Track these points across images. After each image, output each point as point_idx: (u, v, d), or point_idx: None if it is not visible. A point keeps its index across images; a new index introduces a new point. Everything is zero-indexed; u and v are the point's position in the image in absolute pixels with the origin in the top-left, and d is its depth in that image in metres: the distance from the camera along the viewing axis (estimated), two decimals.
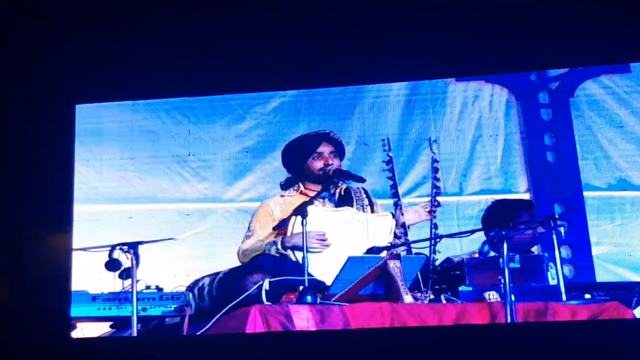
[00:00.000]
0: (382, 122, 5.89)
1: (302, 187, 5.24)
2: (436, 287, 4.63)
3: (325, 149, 5.26)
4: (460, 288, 4.53)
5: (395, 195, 5.08)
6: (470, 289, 4.52)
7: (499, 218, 4.92)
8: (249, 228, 5.19)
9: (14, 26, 5.60)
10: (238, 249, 5.16)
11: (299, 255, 4.77)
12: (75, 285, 5.11)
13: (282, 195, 5.27)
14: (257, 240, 5.07)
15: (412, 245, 4.99)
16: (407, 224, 5.02)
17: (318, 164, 5.22)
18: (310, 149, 5.27)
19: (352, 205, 5.15)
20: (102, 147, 5.96)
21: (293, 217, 4.90)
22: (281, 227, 4.99)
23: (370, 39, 5.64)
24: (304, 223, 4.63)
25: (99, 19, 5.58)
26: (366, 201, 5.23)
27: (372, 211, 5.19)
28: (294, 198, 5.17)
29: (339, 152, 5.31)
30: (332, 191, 5.18)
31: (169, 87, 5.90)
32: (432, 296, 4.58)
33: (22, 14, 5.56)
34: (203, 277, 4.86)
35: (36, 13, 5.56)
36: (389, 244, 4.94)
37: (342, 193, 5.23)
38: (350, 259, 4.61)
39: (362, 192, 5.27)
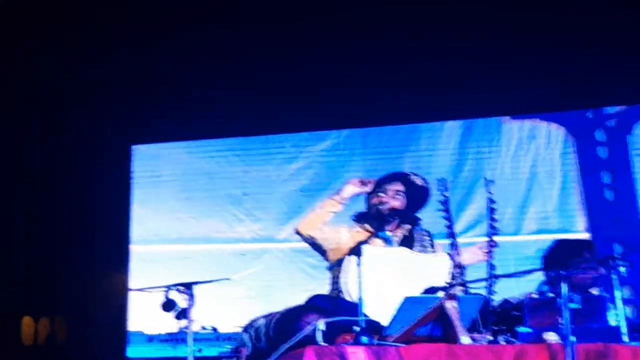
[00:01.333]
0: (435, 161, 5.86)
1: (367, 225, 5.18)
2: (494, 328, 4.54)
3: (392, 187, 5.12)
4: (518, 329, 4.44)
5: (451, 235, 5.00)
6: (529, 329, 4.43)
7: (560, 258, 4.82)
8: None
9: (70, 71, 5.71)
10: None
11: (354, 295, 4.73)
12: (131, 325, 5.14)
13: (350, 227, 5.23)
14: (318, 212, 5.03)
15: (469, 285, 4.92)
16: (463, 264, 4.95)
17: (375, 200, 5.15)
18: (381, 185, 5.17)
19: (412, 248, 5.08)
20: (157, 188, 6.03)
21: (347, 257, 4.86)
22: (335, 267, 4.97)
23: (422, 78, 5.64)
24: (359, 263, 4.59)
25: (154, 63, 5.67)
26: (429, 244, 5.14)
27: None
28: (360, 233, 5.12)
29: (412, 194, 5.13)
30: (391, 230, 5.09)
31: (223, 128, 5.96)
32: (490, 337, 4.49)
33: (77, 61, 5.68)
34: (258, 318, 4.83)
35: (91, 59, 5.68)
36: (446, 284, 4.86)
37: (407, 234, 5.15)
38: (406, 299, 4.54)
39: (426, 234, 5.18)
